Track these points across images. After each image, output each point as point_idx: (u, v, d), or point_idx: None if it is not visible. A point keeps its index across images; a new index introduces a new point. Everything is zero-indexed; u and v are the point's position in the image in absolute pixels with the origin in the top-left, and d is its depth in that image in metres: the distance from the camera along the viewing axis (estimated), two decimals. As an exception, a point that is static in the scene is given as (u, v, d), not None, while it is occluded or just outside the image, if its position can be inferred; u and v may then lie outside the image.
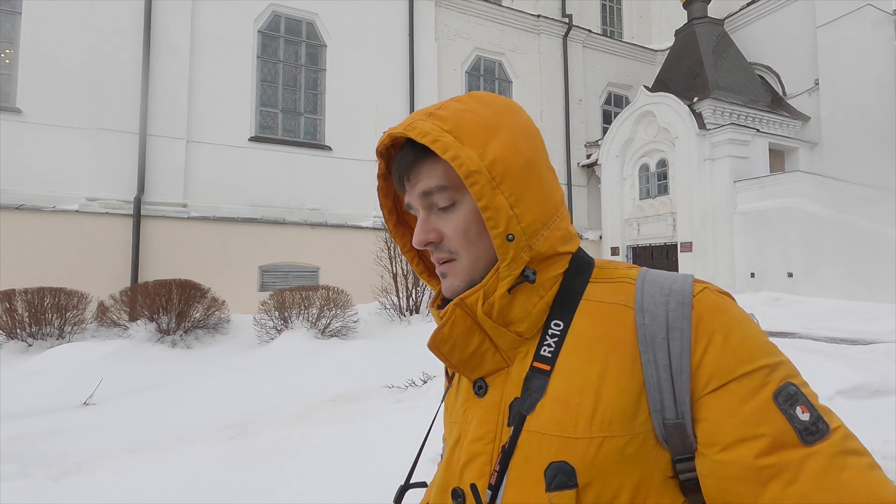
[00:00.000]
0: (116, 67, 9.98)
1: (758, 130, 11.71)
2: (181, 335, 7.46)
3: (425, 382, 4.31)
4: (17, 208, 8.94)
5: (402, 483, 0.67)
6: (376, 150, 0.63)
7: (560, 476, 0.51)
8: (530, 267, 0.57)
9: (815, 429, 0.48)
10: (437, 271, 0.63)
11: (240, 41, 11.22)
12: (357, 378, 4.96)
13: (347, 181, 11.88)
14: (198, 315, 7.66)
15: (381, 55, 12.63)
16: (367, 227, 11.69)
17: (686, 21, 15.14)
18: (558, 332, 0.57)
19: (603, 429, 0.51)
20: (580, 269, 0.61)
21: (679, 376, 0.51)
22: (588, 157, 15.52)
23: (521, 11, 14.81)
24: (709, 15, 14.51)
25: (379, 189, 0.68)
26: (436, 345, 0.59)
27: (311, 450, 3.25)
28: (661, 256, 13.11)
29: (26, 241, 8.90)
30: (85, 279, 8.68)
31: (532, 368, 0.57)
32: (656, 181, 13.07)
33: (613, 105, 16.72)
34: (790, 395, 0.49)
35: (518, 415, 0.55)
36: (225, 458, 3.14)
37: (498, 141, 0.56)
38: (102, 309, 7.66)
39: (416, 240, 0.60)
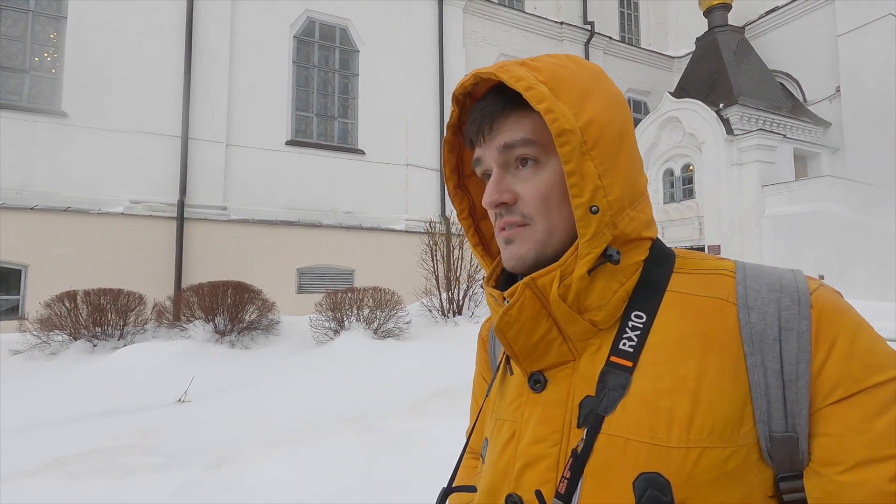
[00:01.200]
0: (159, 71, 10.10)
1: (784, 136, 11.96)
2: (237, 336, 7.55)
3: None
4: (64, 210, 9.02)
5: (446, 486, 0.61)
6: (453, 95, 0.58)
7: (652, 490, 0.44)
8: (613, 247, 0.51)
9: None
10: (501, 236, 0.56)
11: (276, 46, 11.36)
12: (444, 374, 5.08)
13: (380, 185, 12.03)
14: (252, 317, 7.76)
15: (412, 61, 12.81)
16: (399, 230, 11.83)
17: (706, 29, 15.47)
18: (640, 325, 0.51)
19: (702, 438, 0.45)
20: (662, 257, 0.56)
21: (793, 384, 0.45)
22: (609, 161, 15.73)
23: (545, 18, 15.05)
24: (729, 23, 14.78)
25: (446, 142, 0.63)
26: (502, 328, 0.53)
27: (436, 443, 3.38)
28: (685, 259, 13.31)
29: (73, 242, 8.97)
30: (130, 280, 8.74)
31: (609, 363, 0.51)
32: (681, 185, 13.29)
33: (633, 111, 16.97)
34: None
35: (593, 415, 0.49)
36: (360, 449, 3.26)
37: (594, 103, 0.52)
38: (160, 310, 7.75)
39: (489, 199, 0.55)
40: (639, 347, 0.50)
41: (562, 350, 0.53)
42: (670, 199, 13.62)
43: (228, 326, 7.58)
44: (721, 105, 12.29)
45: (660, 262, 0.55)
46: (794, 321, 0.46)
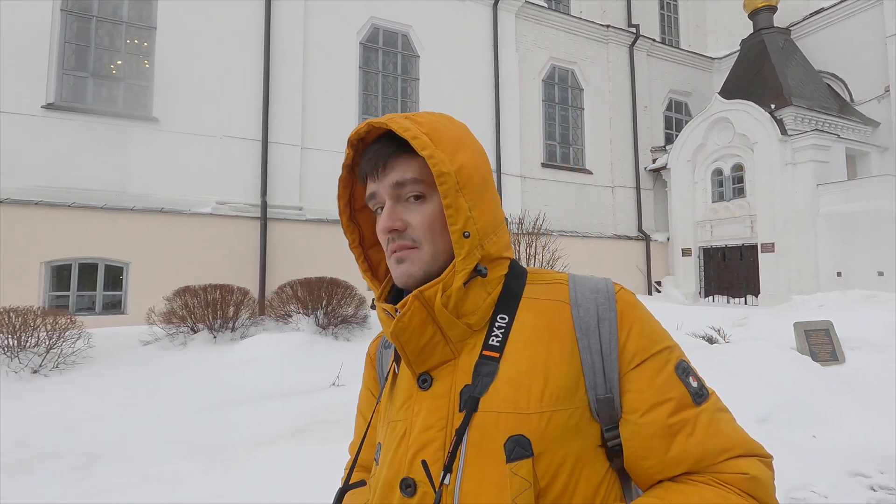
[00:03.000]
0: (240, 77, 10.59)
1: (839, 136, 12.21)
2: (336, 329, 8.00)
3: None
4: (159, 211, 9.54)
5: (341, 486, 0.70)
6: (349, 140, 0.68)
7: (518, 448, 0.57)
8: (482, 264, 0.63)
9: (702, 393, 0.62)
10: (393, 257, 0.65)
11: (345, 53, 11.83)
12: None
13: (441, 185, 12.43)
14: (350, 311, 8.20)
15: (468, 65, 13.22)
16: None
17: (747, 30, 15.76)
18: (504, 325, 0.64)
19: (551, 404, 0.59)
20: (517, 273, 0.70)
21: (608, 357, 0.61)
22: (653, 161, 16.04)
23: (592, 22, 15.40)
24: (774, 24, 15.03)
25: (341, 180, 0.72)
26: (396, 334, 0.62)
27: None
28: (734, 257, 13.59)
29: (168, 241, 9.48)
30: (220, 277, 9.19)
31: (481, 357, 0.63)
32: (731, 185, 13.57)
33: (674, 111, 17.26)
34: (685, 369, 0.63)
35: (471, 398, 0.60)
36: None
37: (464, 153, 0.64)
38: (264, 304, 8.22)
39: (383, 226, 0.64)
40: (503, 341, 0.63)
41: (444, 351, 0.64)
42: (719, 198, 13.91)
43: (326, 320, 8.02)
44: (773, 106, 12.56)
45: (516, 276, 0.69)
46: (606, 312, 0.63)
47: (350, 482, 0.71)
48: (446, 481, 0.57)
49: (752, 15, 15.19)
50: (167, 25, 10.20)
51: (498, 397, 0.59)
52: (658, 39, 17.24)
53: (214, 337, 7.24)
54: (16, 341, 5.70)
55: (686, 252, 14.60)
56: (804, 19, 15.28)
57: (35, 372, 5.68)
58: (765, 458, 0.61)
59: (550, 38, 14.78)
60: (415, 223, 0.64)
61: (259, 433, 3.62)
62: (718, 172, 13.94)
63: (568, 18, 15.03)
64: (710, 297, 13.96)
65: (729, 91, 14.55)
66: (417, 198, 0.65)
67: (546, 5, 14.80)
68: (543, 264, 9.79)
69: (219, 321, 7.33)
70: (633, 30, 15.97)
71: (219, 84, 10.41)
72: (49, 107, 9.13)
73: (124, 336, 7.17)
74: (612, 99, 15.59)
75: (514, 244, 9.92)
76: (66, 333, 6.02)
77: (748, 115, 12.71)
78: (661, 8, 18.02)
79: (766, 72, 13.94)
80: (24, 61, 8.99)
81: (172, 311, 7.21)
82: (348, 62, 11.87)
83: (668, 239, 15.37)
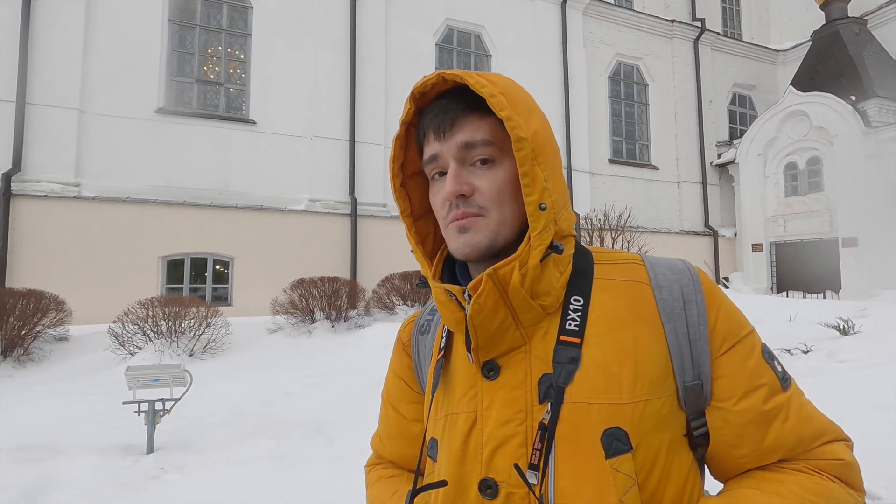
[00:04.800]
0: (327, 81, 11.03)
1: (927, 127, 11.91)
2: (437, 320, 8.32)
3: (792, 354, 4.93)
4: (259, 208, 10.04)
5: (412, 488, 0.63)
6: (414, 92, 0.61)
7: (616, 442, 0.53)
8: (555, 240, 0.58)
9: (786, 377, 0.60)
10: (454, 226, 0.59)
11: (422, 53, 12.17)
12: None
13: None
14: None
15: (538, 63, 13.39)
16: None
17: (813, 21, 15.48)
18: (580, 307, 0.59)
19: (644, 392, 0.55)
20: (582, 252, 0.65)
21: (697, 342, 0.58)
22: (719, 156, 15.88)
23: (657, 17, 15.36)
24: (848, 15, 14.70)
25: (397, 139, 0.64)
26: (471, 317, 0.56)
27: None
28: (810, 252, 13.37)
29: (268, 237, 9.97)
30: (315, 270, 9.63)
31: (559, 342, 0.58)
32: (806, 178, 13.36)
33: (738, 105, 17.04)
34: (769, 352, 0.61)
35: (554, 388, 0.55)
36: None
37: (536, 119, 0.59)
38: (356, 296, 8.62)
39: (450, 189, 0.58)
40: (582, 325, 0.58)
41: (515, 336, 0.59)
42: (793, 192, 13.71)
43: (428, 311, 8.35)
44: (854, 98, 12.32)
45: (582, 255, 0.65)
46: (692, 294, 0.60)
47: (418, 486, 0.62)
48: (533, 480, 0.53)
49: (825, 6, 14.88)
50: (261, 32, 10.71)
51: (586, 387, 0.55)
52: (720, 32, 17.05)
53: (333, 326, 7.64)
54: (175, 327, 6.18)
55: (756, 247, 14.42)
56: (879, 8, 14.90)
57: (191, 355, 6.15)
58: (849, 443, 0.60)
59: (616, 34, 14.81)
60: (483, 188, 0.59)
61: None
62: (792, 166, 13.74)
63: (634, 14, 15.03)
64: (784, 293, 13.76)
65: (801, 83, 14.31)
66: (485, 162, 0.59)
67: (612, 2, 14.84)
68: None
69: (335, 311, 7.71)
70: (699, 24, 15.84)
71: (309, 87, 10.87)
72: (160, 111, 9.72)
73: (248, 325, 7.62)
74: (677, 94, 15.51)
75: (598, 239, 10.07)
76: (213, 320, 6.48)
77: (827, 108, 12.50)
78: (724, 1, 17.79)
79: (842, 63, 13.66)
80: (138, 69, 9.59)
81: (292, 301, 7.63)
82: (425, 63, 12.19)
83: (736, 234, 15.21)
